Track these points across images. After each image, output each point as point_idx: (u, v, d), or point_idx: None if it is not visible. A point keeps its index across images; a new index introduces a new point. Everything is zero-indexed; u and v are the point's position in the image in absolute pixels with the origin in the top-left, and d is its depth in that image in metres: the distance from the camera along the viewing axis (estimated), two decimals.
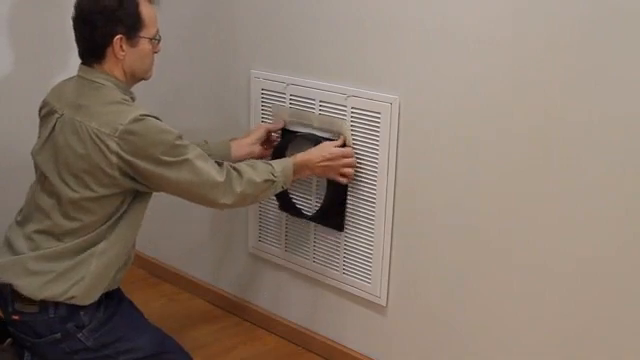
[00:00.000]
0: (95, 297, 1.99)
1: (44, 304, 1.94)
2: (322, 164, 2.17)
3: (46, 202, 1.98)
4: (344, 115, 2.22)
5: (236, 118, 2.57)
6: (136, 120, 1.88)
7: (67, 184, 1.94)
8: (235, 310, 2.74)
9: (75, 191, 1.93)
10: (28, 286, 1.93)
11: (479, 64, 1.94)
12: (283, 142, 2.37)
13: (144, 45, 1.98)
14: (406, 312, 2.25)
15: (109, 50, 1.94)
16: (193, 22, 2.65)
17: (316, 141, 2.26)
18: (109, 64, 1.96)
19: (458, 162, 2.04)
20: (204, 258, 2.83)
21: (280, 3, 2.36)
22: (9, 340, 2.05)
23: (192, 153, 1.95)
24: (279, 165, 2.10)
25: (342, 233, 2.32)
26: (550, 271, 1.92)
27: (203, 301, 2.81)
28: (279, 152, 2.37)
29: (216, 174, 1.96)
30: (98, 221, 1.96)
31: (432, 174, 2.10)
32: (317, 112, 2.29)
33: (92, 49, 1.96)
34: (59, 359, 2.01)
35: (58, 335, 1.96)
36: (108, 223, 1.96)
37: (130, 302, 2.15)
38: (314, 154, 2.16)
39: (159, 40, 2.04)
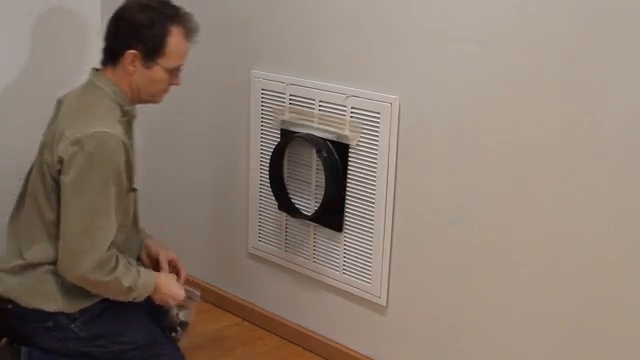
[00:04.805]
0: (85, 303, 2.00)
1: None
2: (161, 296, 2.06)
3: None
4: (344, 115, 2.22)
5: (236, 118, 2.57)
6: (91, 135, 1.85)
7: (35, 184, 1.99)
8: (235, 310, 2.74)
9: (36, 190, 1.97)
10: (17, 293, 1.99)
11: (479, 64, 1.94)
12: (282, 142, 2.37)
13: (158, 72, 1.96)
14: (406, 312, 2.25)
15: (121, 60, 1.94)
16: None
17: (315, 142, 2.26)
18: (119, 73, 1.96)
19: (458, 162, 2.04)
20: (204, 258, 2.83)
21: (280, 3, 2.36)
22: (4, 340, 2.06)
23: (108, 207, 1.90)
24: (144, 279, 1.99)
25: (341, 233, 2.32)
26: (551, 271, 1.92)
27: (203, 301, 2.81)
28: (279, 152, 2.37)
29: (104, 243, 1.89)
30: (44, 226, 1.97)
31: (432, 174, 2.10)
32: (317, 112, 2.29)
33: (109, 51, 1.98)
34: (54, 346, 2.02)
35: (50, 324, 1.99)
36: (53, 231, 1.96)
37: None
38: (164, 287, 2.05)
39: (178, 73, 2.01)
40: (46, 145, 1.96)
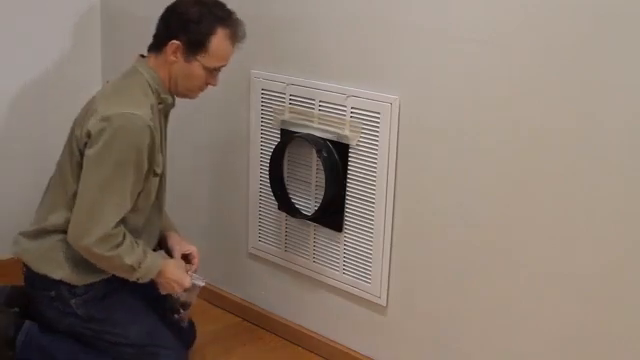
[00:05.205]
0: (90, 279, 2.05)
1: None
2: (167, 282, 2.11)
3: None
4: (344, 115, 2.22)
5: (236, 118, 2.57)
6: (120, 114, 1.93)
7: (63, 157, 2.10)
8: (235, 310, 2.74)
9: (64, 162, 2.07)
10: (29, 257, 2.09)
11: (479, 64, 1.94)
12: (282, 142, 2.37)
13: (197, 68, 2.02)
14: (406, 312, 2.25)
15: (165, 49, 2.01)
16: None
17: (315, 142, 2.26)
18: (160, 61, 2.04)
19: (458, 162, 2.04)
20: (204, 258, 2.82)
21: (280, 3, 2.36)
22: (14, 309, 2.17)
23: (123, 186, 1.95)
24: (150, 261, 2.03)
25: (341, 233, 2.32)
26: (551, 271, 1.92)
27: (203, 301, 2.81)
28: (278, 152, 2.37)
29: (112, 219, 1.94)
30: (66, 197, 2.04)
31: (432, 174, 2.10)
32: (317, 112, 2.29)
33: (156, 38, 2.05)
34: (54, 317, 2.11)
35: (52, 293, 2.07)
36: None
37: (134, 289, 2.15)
38: (169, 272, 2.09)
39: (216, 74, 2.07)
40: (77, 121, 2.05)
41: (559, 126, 1.83)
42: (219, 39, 2.00)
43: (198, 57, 2.00)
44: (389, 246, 2.23)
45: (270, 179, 2.43)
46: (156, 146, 2.01)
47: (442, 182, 2.08)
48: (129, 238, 1.99)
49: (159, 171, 2.07)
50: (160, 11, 2.09)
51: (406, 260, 2.21)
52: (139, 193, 2.03)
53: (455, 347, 2.15)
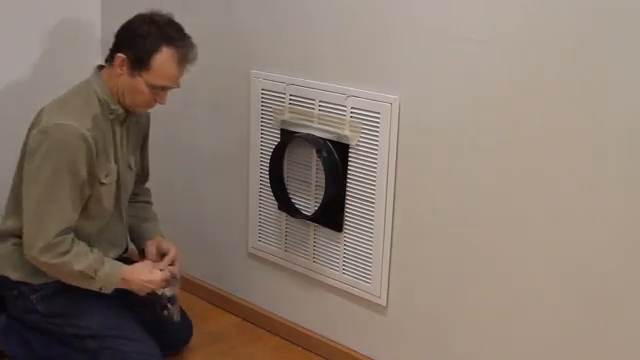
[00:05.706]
0: (48, 278, 2.08)
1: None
2: (138, 286, 2.12)
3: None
4: (344, 115, 2.22)
5: (236, 118, 2.57)
6: (55, 126, 1.96)
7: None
8: (235, 310, 2.74)
9: (18, 166, 2.11)
10: None
11: (479, 64, 1.94)
12: (282, 142, 2.37)
13: (140, 84, 2.04)
14: (406, 312, 2.25)
15: (114, 61, 2.05)
16: (193, 22, 2.64)
17: (315, 142, 2.26)
18: (111, 73, 2.06)
19: (458, 162, 2.04)
20: (204, 258, 2.83)
21: (280, 3, 2.36)
22: None
23: (62, 195, 1.97)
24: (109, 268, 2.05)
25: (341, 233, 2.32)
26: (551, 272, 1.92)
27: (203, 301, 2.81)
28: (278, 152, 2.37)
29: (54, 228, 1.97)
30: (17, 201, 2.08)
31: (432, 174, 2.10)
32: (317, 112, 2.29)
33: (110, 50, 2.08)
34: (18, 315, 2.16)
35: (15, 292, 2.12)
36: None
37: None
38: (136, 275, 2.10)
39: (163, 93, 2.08)
40: (30, 128, 2.08)
41: (559, 126, 1.83)
42: (163, 58, 2.01)
43: (142, 73, 2.02)
44: (389, 246, 2.23)
45: (270, 179, 2.43)
46: (94, 155, 2.01)
47: (442, 182, 2.08)
48: (80, 246, 2.01)
49: (107, 180, 2.09)
50: None
51: (406, 260, 2.21)
52: (88, 200, 2.05)
53: (455, 347, 2.15)
